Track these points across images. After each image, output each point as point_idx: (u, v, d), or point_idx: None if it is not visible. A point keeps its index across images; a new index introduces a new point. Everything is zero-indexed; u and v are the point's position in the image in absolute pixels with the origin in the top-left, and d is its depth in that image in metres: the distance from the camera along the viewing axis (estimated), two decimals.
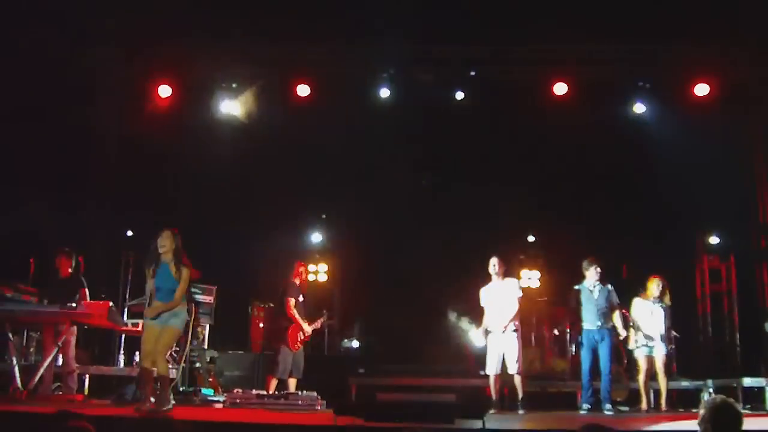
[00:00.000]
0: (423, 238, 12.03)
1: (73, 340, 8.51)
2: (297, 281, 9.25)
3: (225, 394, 8.57)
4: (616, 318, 8.76)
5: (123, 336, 10.10)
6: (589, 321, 8.76)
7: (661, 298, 8.91)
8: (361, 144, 11.69)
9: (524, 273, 12.85)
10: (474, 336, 9.01)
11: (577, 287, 8.95)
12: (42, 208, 9.72)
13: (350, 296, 12.84)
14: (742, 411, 3.96)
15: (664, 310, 8.89)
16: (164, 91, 11.44)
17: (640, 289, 9.09)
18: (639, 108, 11.36)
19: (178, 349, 9.08)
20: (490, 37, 10.89)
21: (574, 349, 9.36)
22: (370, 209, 12.19)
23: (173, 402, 7.11)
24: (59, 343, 8.19)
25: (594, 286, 8.83)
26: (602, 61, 11.19)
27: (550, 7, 9.99)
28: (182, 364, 9.02)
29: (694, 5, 9.70)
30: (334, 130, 11.43)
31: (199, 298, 10.15)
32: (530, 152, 11.56)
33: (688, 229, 11.72)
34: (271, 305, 10.70)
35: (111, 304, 8.47)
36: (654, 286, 8.93)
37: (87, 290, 8.60)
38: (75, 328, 8.49)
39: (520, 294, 8.71)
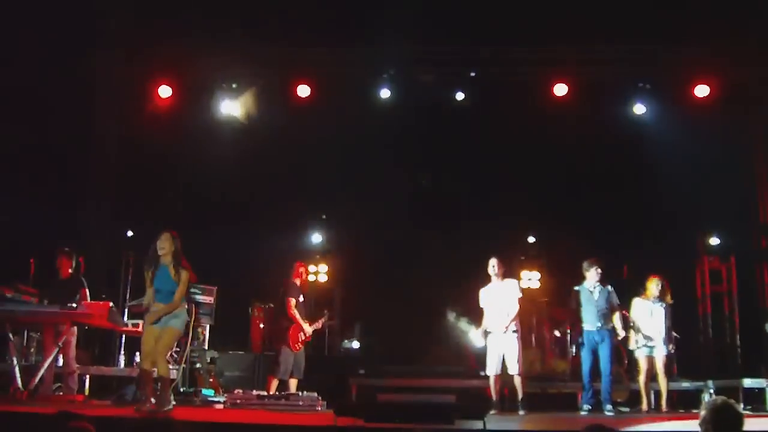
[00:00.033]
0: (423, 239, 12.03)
1: (73, 340, 8.51)
2: (297, 282, 9.25)
3: (225, 395, 8.57)
4: (616, 319, 8.75)
5: (123, 336, 10.10)
6: (589, 322, 8.76)
7: (661, 298, 8.90)
8: (362, 144, 11.69)
9: (524, 274, 12.84)
10: (474, 336, 9.00)
11: (576, 288, 8.95)
12: (42, 209, 9.73)
13: (350, 297, 12.84)
14: (743, 412, 3.96)
15: (664, 310, 8.87)
16: (164, 91, 11.44)
17: (640, 289, 9.08)
18: (639, 108, 11.35)
19: (178, 349, 9.09)
20: (491, 37, 10.89)
21: (574, 350, 9.35)
22: (370, 210, 12.19)
23: (174, 402, 7.11)
24: (60, 344, 8.18)
25: (594, 287, 8.83)
26: (602, 61, 11.19)
27: (551, 8, 9.99)
28: (183, 365, 9.02)
29: (694, 5, 9.71)
30: (335, 131, 11.44)
31: (200, 298, 10.16)
32: (530, 153, 11.56)
33: (689, 229, 11.72)
34: (272, 306, 10.69)
35: (111, 304, 8.47)
36: (653, 285, 8.92)
37: (87, 291, 8.59)
38: (75, 328, 8.49)
39: (520, 295, 8.70)
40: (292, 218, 12.58)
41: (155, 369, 6.96)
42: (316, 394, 8.10)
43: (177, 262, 7.07)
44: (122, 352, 10.23)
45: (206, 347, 10.30)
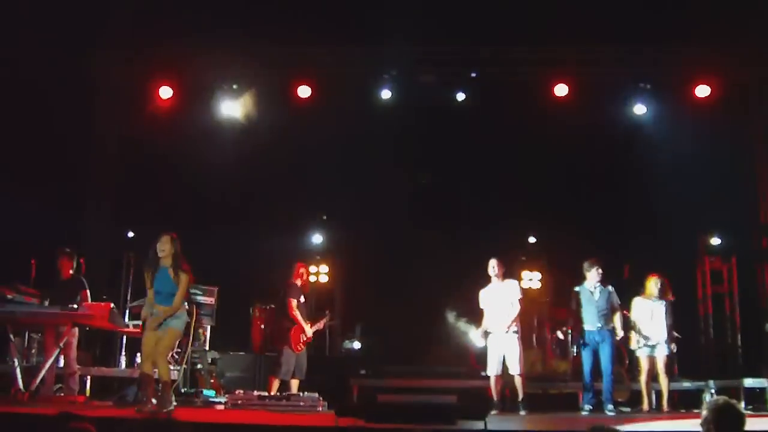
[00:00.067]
0: (424, 239, 12.03)
1: (74, 341, 8.51)
2: (298, 282, 9.24)
3: (226, 396, 8.57)
4: (617, 319, 8.74)
5: (124, 337, 10.10)
6: (590, 322, 8.75)
7: (661, 296, 8.87)
8: (362, 145, 11.69)
9: (525, 274, 12.84)
10: (474, 336, 9.00)
11: (576, 289, 8.94)
12: (43, 209, 9.74)
13: (351, 297, 12.84)
14: (745, 412, 3.96)
15: (665, 308, 8.83)
16: (165, 92, 11.44)
17: (640, 289, 9.07)
18: (640, 109, 11.34)
19: (179, 350, 9.09)
20: (491, 37, 10.89)
21: (575, 351, 9.35)
22: (370, 210, 12.19)
23: (175, 403, 7.12)
24: (61, 345, 8.18)
25: (595, 288, 8.82)
26: (603, 61, 11.19)
27: (551, 8, 9.99)
28: (184, 366, 9.02)
29: (695, 5, 9.71)
30: (335, 131, 11.44)
31: (201, 299, 10.16)
32: (531, 153, 11.55)
33: (690, 229, 11.71)
34: (272, 306, 10.69)
35: (112, 305, 8.47)
36: (652, 284, 8.90)
37: (88, 291, 8.59)
38: (76, 329, 8.48)
39: (521, 296, 8.68)
40: (292, 219, 12.58)
41: (156, 370, 6.97)
42: (317, 395, 8.09)
43: (177, 264, 7.10)
44: (123, 353, 10.22)
45: (207, 348, 10.30)
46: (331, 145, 11.57)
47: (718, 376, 10.23)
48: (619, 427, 4.01)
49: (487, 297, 8.75)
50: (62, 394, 8.42)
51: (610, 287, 8.85)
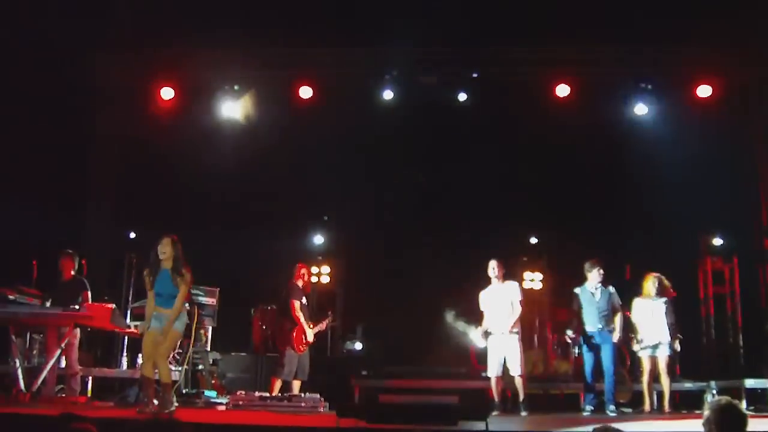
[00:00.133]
0: (425, 240, 12.03)
1: (76, 342, 8.53)
2: (300, 283, 9.24)
3: (228, 396, 8.57)
4: (617, 320, 8.72)
5: (126, 338, 10.10)
6: (591, 323, 8.74)
7: (660, 294, 8.85)
8: (363, 146, 11.69)
9: (527, 275, 12.83)
10: (474, 337, 9.00)
11: (577, 289, 8.94)
12: (45, 210, 9.74)
13: (353, 298, 12.84)
14: (747, 412, 3.95)
15: (665, 306, 8.80)
16: (166, 93, 11.45)
17: (639, 289, 9.06)
18: (641, 109, 11.34)
19: (180, 351, 9.10)
20: (492, 38, 10.89)
21: (576, 351, 9.34)
22: (372, 211, 12.20)
23: (176, 404, 7.14)
24: (62, 346, 8.20)
25: (596, 288, 8.81)
26: (603, 62, 11.18)
27: (552, 9, 9.99)
28: (185, 367, 9.03)
29: (695, 5, 9.70)
30: (337, 132, 11.45)
31: (202, 300, 10.17)
32: (532, 153, 11.55)
33: (691, 230, 11.70)
34: (273, 307, 10.70)
35: (114, 306, 8.49)
36: (650, 284, 8.87)
37: (89, 292, 8.60)
38: (78, 330, 8.50)
39: (521, 297, 8.67)
40: (293, 220, 12.58)
41: (157, 371, 6.98)
42: (318, 396, 8.09)
43: (177, 266, 7.12)
44: (125, 353, 10.23)
45: (208, 349, 10.31)
46: (332, 146, 11.58)
47: (720, 376, 10.22)
48: (622, 428, 4.00)
49: (487, 298, 8.74)
50: (64, 395, 8.44)
51: (611, 288, 8.84)
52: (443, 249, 12.07)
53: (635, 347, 8.94)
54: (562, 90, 11.15)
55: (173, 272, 7.08)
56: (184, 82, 11.52)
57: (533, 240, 13.34)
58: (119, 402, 8.37)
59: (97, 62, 11.25)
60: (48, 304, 8.38)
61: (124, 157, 11.85)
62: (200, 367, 9.99)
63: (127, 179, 11.77)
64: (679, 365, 10.24)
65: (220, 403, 8.78)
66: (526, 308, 8.87)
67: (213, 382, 9.85)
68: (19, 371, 8.10)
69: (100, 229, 11.55)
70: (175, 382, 7.74)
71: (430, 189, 12.79)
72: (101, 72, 11.36)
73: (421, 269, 12.05)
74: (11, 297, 8.20)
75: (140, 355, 8.73)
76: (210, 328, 10.41)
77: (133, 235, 12.01)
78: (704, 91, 10.94)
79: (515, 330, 8.55)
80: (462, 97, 11.50)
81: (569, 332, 8.87)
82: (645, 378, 8.80)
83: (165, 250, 7.11)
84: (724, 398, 3.90)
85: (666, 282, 8.90)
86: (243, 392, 8.40)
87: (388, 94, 11.42)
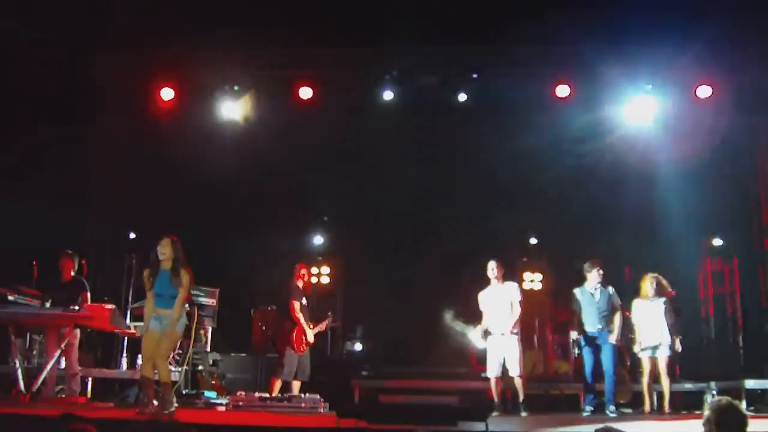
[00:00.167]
0: (426, 240, 12.03)
1: (76, 342, 8.53)
2: (300, 284, 9.24)
3: (228, 397, 8.57)
4: (616, 320, 8.72)
5: (126, 339, 10.10)
6: (591, 324, 8.74)
7: (658, 294, 8.84)
8: (363, 146, 11.69)
9: (527, 275, 12.84)
10: (474, 337, 9.00)
11: (576, 290, 8.94)
12: (45, 211, 9.74)
13: (353, 298, 12.84)
14: (747, 413, 3.95)
15: (664, 305, 8.79)
16: (166, 93, 11.44)
17: (638, 291, 9.06)
18: (641, 109, 11.32)
19: (180, 351, 9.10)
20: (493, 38, 10.88)
21: (576, 352, 9.34)
22: (372, 211, 12.20)
23: (176, 405, 7.14)
24: (62, 346, 8.20)
25: (595, 289, 8.81)
26: (603, 62, 11.16)
27: (552, 9, 9.98)
28: (185, 367, 9.03)
29: (695, 5, 9.70)
30: (337, 132, 11.44)
31: (202, 300, 10.17)
32: (532, 153, 11.54)
33: (691, 231, 11.69)
34: (273, 308, 10.70)
35: (113, 306, 8.49)
36: (647, 284, 8.87)
37: (88, 293, 8.60)
38: (78, 330, 8.50)
39: (520, 298, 8.67)
40: (293, 220, 12.59)
41: (157, 372, 6.98)
42: (318, 396, 8.09)
43: (177, 267, 7.12)
44: (124, 354, 10.23)
45: (208, 349, 10.31)
46: (332, 146, 11.56)
47: (720, 377, 10.20)
48: (622, 429, 4.01)
49: (486, 299, 8.74)
50: (63, 396, 8.44)
51: (610, 288, 8.84)
52: (443, 249, 12.06)
53: (635, 348, 8.94)
54: (563, 90, 11.14)
55: (173, 272, 7.09)
56: (184, 82, 11.50)
57: (533, 240, 13.35)
58: (119, 403, 8.37)
59: (97, 62, 11.23)
60: (48, 304, 8.38)
61: (124, 157, 11.84)
62: (200, 367, 9.99)
63: (127, 179, 11.77)
64: (679, 365, 10.23)
65: (220, 404, 8.78)
66: (526, 308, 8.87)
67: (213, 382, 9.84)
68: (19, 372, 8.09)
69: (100, 230, 11.55)
70: (174, 382, 7.75)
71: (430, 189, 12.78)
72: (101, 72, 11.35)
73: (421, 269, 12.05)
74: (11, 297, 8.21)
75: (140, 356, 8.74)
76: (210, 329, 10.41)
77: (133, 235, 12.01)
78: (705, 91, 10.93)
79: (515, 330, 8.55)
80: (462, 97, 11.49)
81: (575, 333, 8.85)
82: (645, 378, 8.81)
83: (165, 250, 7.12)
84: (725, 399, 3.90)
85: (664, 282, 8.90)
86: (243, 393, 8.40)
87: (388, 95, 11.42)
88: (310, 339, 9.09)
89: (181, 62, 11.37)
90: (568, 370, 10.93)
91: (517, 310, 8.56)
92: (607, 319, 8.70)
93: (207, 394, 9.36)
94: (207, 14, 10.13)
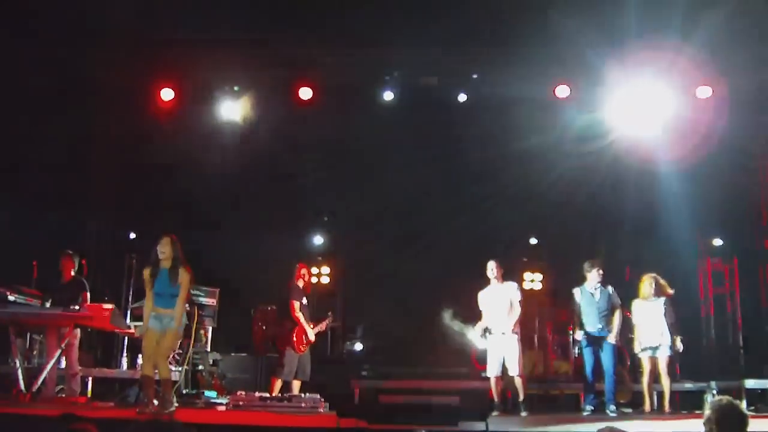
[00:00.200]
0: (426, 240, 12.02)
1: (76, 342, 8.53)
2: (300, 284, 9.24)
3: (228, 397, 8.56)
4: (616, 319, 8.72)
5: (126, 338, 10.11)
6: (591, 323, 8.74)
7: (657, 294, 8.84)
8: (363, 146, 11.69)
9: (527, 275, 12.84)
10: (473, 336, 9.00)
11: (576, 290, 8.94)
12: (45, 211, 9.74)
13: (353, 298, 12.85)
14: (748, 412, 3.95)
15: (664, 306, 8.78)
16: (166, 94, 11.44)
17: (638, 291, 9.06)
18: (641, 109, 11.31)
19: (180, 351, 9.10)
20: (492, 38, 10.88)
21: (576, 351, 9.34)
22: (372, 211, 12.19)
23: (176, 404, 7.15)
24: (62, 346, 8.20)
25: (595, 289, 8.81)
26: (603, 61, 11.16)
27: (551, 9, 9.98)
28: (185, 367, 9.03)
29: (696, 5, 9.69)
30: (337, 133, 11.44)
31: (202, 300, 10.18)
32: (533, 153, 11.54)
33: (691, 231, 11.70)
34: (273, 308, 10.70)
35: (113, 306, 8.49)
36: (646, 285, 8.86)
37: (88, 293, 8.60)
38: (78, 330, 8.50)
39: (520, 297, 8.67)
40: (293, 220, 12.59)
41: (157, 371, 6.99)
42: (318, 396, 8.08)
43: (177, 266, 7.12)
44: (125, 354, 10.24)
45: (209, 349, 10.31)
46: (332, 146, 11.55)
47: (720, 377, 10.21)
48: (623, 428, 4.01)
49: (486, 299, 8.74)
50: (64, 395, 8.44)
51: (610, 288, 8.84)
52: (443, 249, 12.06)
53: (635, 348, 8.94)
54: (563, 91, 11.14)
55: (172, 272, 7.09)
56: (184, 82, 11.50)
57: (533, 240, 13.35)
58: (119, 402, 8.37)
59: (98, 62, 11.23)
60: (48, 304, 8.38)
61: (123, 157, 11.84)
62: (200, 367, 10.00)
63: (127, 179, 11.77)
64: (679, 365, 10.24)
65: (220, 404, 8.77)
66: (526, 308, 8.87)
67: (213, 382, 9.85)
68: (19, 371, 8.09)
69: (100, 230, 11.55)
70: (175, 382, 7.76)
71: (429, 189, 12.78)
72: (101, 72, 11.34)
73: (421, 269, 12.04)
74: (11, 297, 8.21)
75: (140, 356, 8.75)
76: (210, 329, 10.41)
77: (133, 235, 12.01)
78: (704, 92, 10.93)
79: (515, 330, 8.55)
80: (462, 97, 11.49)
81: (580, 334, 8.84)
82: (645, 378, 8.81)
83: (164, 249, 7.14)
84: (725, 398, 3.90)
85: (662, 281, 8.90)
86: (243, 393, 8.38)
87: (388, 95, 11.42)
88: (311, 339, 9.09)
89: (181, 62, 11.36)
90: (568, 370, 10.93)
91: (517, 310, 8.56)
92: (607, 319, 8.70)
93: (207, 393, 9.37)
94: (207, 14, 10.12)
